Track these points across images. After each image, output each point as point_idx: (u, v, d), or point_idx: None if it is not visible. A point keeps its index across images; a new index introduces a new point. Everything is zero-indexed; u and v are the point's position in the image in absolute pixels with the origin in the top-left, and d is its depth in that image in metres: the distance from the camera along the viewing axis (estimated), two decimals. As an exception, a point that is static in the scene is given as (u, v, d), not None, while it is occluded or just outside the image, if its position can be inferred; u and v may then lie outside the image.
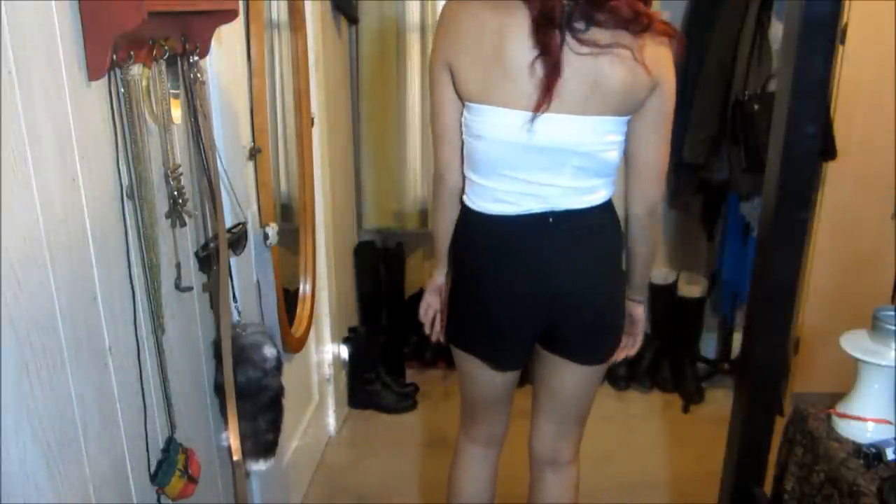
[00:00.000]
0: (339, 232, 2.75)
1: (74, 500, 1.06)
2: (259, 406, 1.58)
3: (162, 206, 1.30)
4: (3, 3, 0.88)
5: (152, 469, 1.29)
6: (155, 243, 1.24)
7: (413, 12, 2.90)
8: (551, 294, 1.46)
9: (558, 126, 1.34)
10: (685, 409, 2.97)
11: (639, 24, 1.29)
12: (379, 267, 3.18)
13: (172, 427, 1.36)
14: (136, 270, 1.21)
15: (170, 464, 1.31)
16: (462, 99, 1.40)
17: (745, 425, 1.18)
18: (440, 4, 1.42)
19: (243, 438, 1.53)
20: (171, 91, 1.29)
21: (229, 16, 1.39)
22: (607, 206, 1.48)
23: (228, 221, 1.57)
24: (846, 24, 2.46)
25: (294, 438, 2.30)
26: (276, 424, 1.65)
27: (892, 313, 1.34)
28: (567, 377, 1.59)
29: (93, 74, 1.07)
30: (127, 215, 1.18)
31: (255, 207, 1.86)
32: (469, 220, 1.50)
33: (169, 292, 1.33)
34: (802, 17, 0.94)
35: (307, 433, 2.45)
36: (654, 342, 3.20)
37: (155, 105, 1.24)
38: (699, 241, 3.14)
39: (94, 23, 1.04)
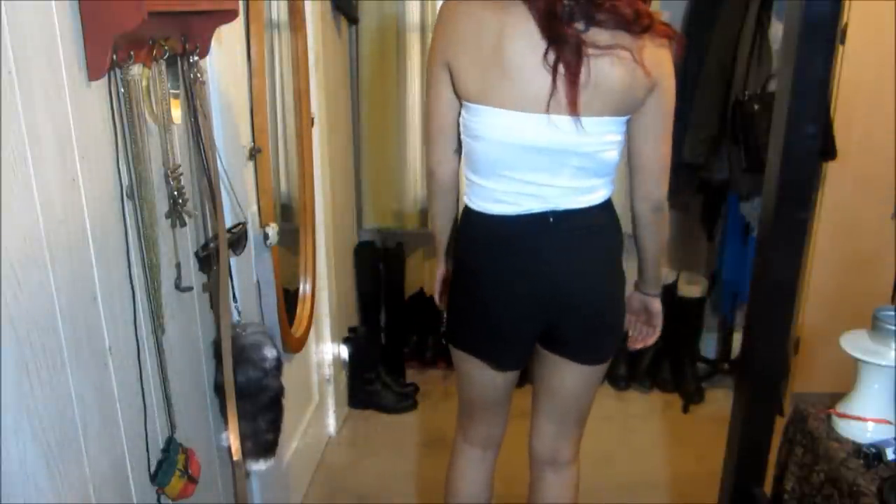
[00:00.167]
0: (339, 232, 2.75)
1: (74, 500, 1.06)
2: (259, 406, 1.58)
3: (162, 206, 1.30)
4: (3, 3, 0.88)
5: (152, 469, 1.29)
6: (155, 243, 1.24)
7: (413, 12, 2.90)
8: (551, 294, 1.46)
9: (557, 126, 1.33)
10: (685, 409, 2.97)
11: (639, 24, 1.29)
12: (379, 267, 3.18)
13: (172, 427, 1.36)
14: (136, 270, 1.21)
15: (170, 464, 1.31)
16: (460, 99, 1.40)
17: (745, 425, 1.18)
18: (440, 4, 1.42)
19: (243, 438, 1.53)
20: (171, 91, 1.29)
21: (229, 16, 1.39)
22: (607, 206, 1.48)
23: (228, 221, 1.57)
24: (846, 24, 2.46)
25: (294, 438, 2.30)
26: (276, 424, 1.65)
27: (892, 313, 1.34)
28: (567, 377, 1.59)
29: (93, 74, 1.07)
30: (127, 215, 1.18)
31: (255, 207, 1.86)
32: (469, 220, 1.50)
33: (169, 292, 1.33)
34: (802, 17, 0.94)
35: (307, 433, 2.45)
36: (654, 342, 3.19)
37: (155, 105, 1.24)
38: (699, 241, 3.14)
39: (94, 23, 1.04)
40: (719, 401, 2.99)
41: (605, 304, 1.52)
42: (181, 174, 1.32)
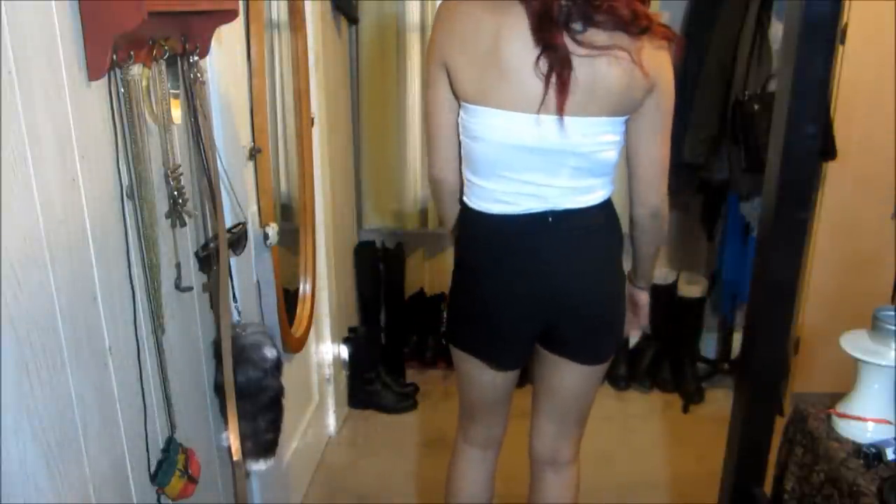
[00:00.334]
0: (339, 232, 2.75)
1: (74, 500, 1.06)
2: (259, 406, 1.58)
3: (162, 206, 1.30)
4: (3, 3, 0.88)
5: (152, 469, 1.29)
6: (155, 243, 1.24)
7: (413, 12, 2.89)
8: (550, 293, 1.46)
9: (555, 127, 1.33)
10: (685, 409, 2.97)
11: (637, 25, 1.29)
12: (379, 267, 3.18)
13: (172, 427, 1.36)
14: (136, 270, 1.21)
15: (170, 464, 1.31)
16: (458, 100, 1.40)
17: (745, 425, 1.18)
18: (440, 4, 1.42)
19: (243, 438, 1.53)
20: (171, 91, 1.29)
21: (229, 16, 1.39)
22: (606, 206, 1.48)
23: (228, 221, 1.57)
24: (846, 24, 2.46)
25: (294, 438, 2.30)
26: (276, 424, 1.65)
27: (892, 313, 1.34)
28: (567, 377, 1.59)
29: (93, 74, 1.07)
30: (127, 215, 1.18)
31: (255, 207, 1.86)
32: (469, 220, 1.50)
33: (169, 292, 1.33)
34: (802, 17, 0.94)
35: (307, 433, 2.45)
36: (654, 342, 3.20)
37: (155, 105, 1.24)
38: (699, 241, 3.14)
39: (94, 23, 1.04)
40: (719, 401, 2.99)
41: (604, 304, 1.52)
42: (181, 174, 1.32)
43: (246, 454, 1.57)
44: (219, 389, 1.56)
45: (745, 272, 2.87)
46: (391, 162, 3.08)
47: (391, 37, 2.93)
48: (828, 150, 2.53)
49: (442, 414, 2.92)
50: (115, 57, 1.09)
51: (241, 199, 1.67)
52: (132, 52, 1.13)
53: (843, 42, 2.47)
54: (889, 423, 1.32)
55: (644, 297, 1.69)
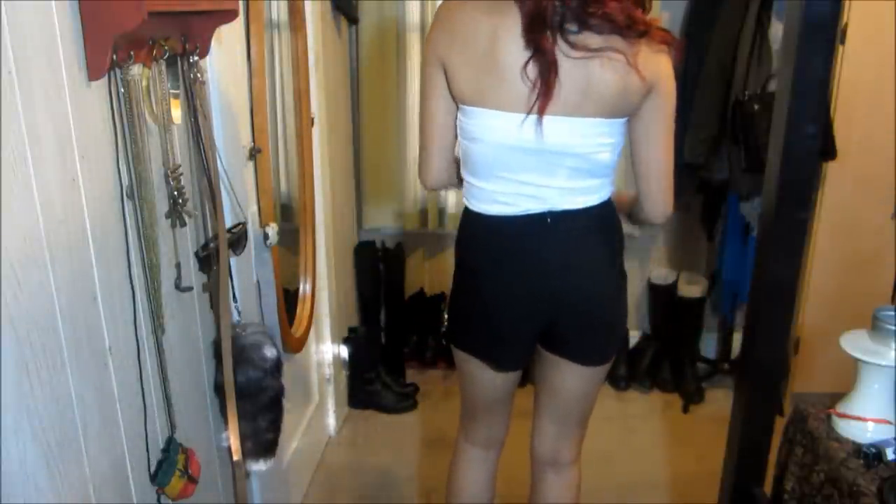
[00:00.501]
0: (339, 232, 2.75)
1: (74, 500, 1.06)
2: (259, 406, 1.58)
3: (162, 206, 1.30)
4: (3, 3, 0.88)
5: (152, 469, 1.29)
6: (155, 243, 1.24)
7: (413, 12, 2.89)
8: (550, 293, 1.46)
9: (551, 128, 1.33)
10: (685, 409, 2.97)
11: (633, 30, 1.28)
12: (379, 267, 3.18)
13: (172, 427, 1.36)
14: (136, 270, 1.21)
15: (170, 464, 1.31)
16: (456, 101, 1.40)
17: (745, 425, 1.17)
18: (439, 4, 1.42)
19: (243, 438, 1.53)
20: (171, 91, 1.29)
21: (229, 16, 1.39)
22: (606, 206, 1.47)
23: (228, 221, 1.57)
24: (846, 24, 2.46)
25: (294, 438, 2.30)
26: (276, 424, 1.65)
27: (892, 313, 1.34)
28: (568, 378, 1.59)
29: (93, 74, 1.07)
30: (127, 215, 1.18)
31: (255, 207, 1.86)
32: (469, 221, 1.50)
33: (169, 292, 1.33)
34: (802, 17, 0.94)
35: (307, 433, 2.45)
36: (654, 342, 3.20)
37: (155, 105, 1.24)
38: (699, 241, 3.14)
39: (94, 23, 1.04)
40: (719, 401, 2.99)
41: (604, 305, 1.52)
42: (181, 174, 1.32)
43: (246, 454, 1.57)
44: (219, 389, 1.56)
45: (745, 272, 2.88)
46: (391, 162, 3.08)
47: (391, 37, 2.93)
48: (828, 150, 2.53)
49: (442, 414, 2.92)
50: (115, 57, 1.09)
51: (241, 199, 1.67)
52: (132, 52, 1.13)
53: (843, 42, 2.47)
54: (889, 423, 1.32)
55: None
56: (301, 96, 2.22)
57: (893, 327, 1.32)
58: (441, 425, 2.83)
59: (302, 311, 2.29)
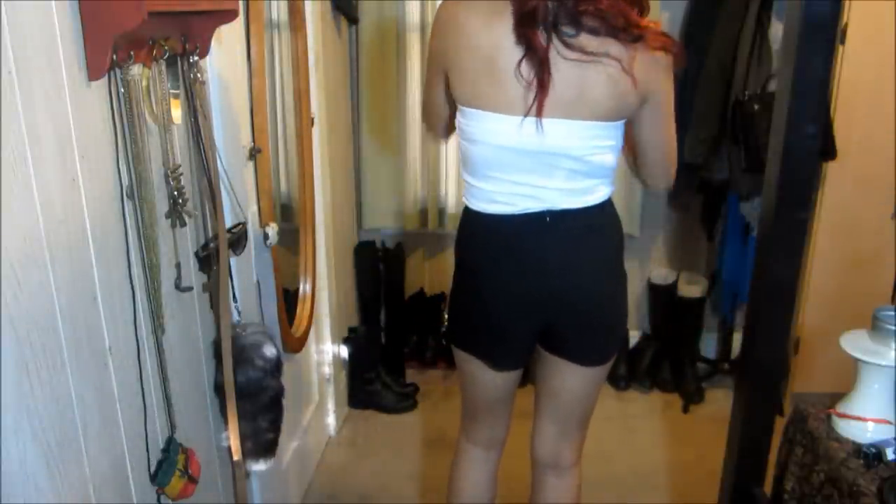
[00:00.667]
0: (339, 232, 2.75)
1: (74, 500, 1.06)
2: (259, 406, 1.58)
3: (162, 206, 1.30)
4: (3, 3, 0.88)
5: (152, 469, 1.29)
6: (155, 243, 1.24)
7: (413, 12, 2.89)
8: (549, 292, 1.46)
9: (550, 129, 1.33)
10: (685, 409, 2.97)
11: (629, 34, 1.28)
12: (379, 267, 3.18)
13: (172, 427, 1.36)
14: (136, 270, 1.21)
15: (170, 464, 1.31)
16: (456, 102, 1.40)
17: (745, 425, 1.17)
18: (439, 5, 1.42)
19: (243, 438, 1.53)
20: (171, 91, 1.29)
21: (229, 16, 1.39)
22: (606, 206, 1.47)
23: (228, 221, 1.57)
24: (846, 24, 2.46)
25: (294, 438, 2.30)
26: (276, 424, 1.65)
27: (892, 313, 1.34)
28: (568, 378, 1.59)
29: (93, 74, 1.07)
30: (127, 215, 1.18)
31: (255, 207, 1.86)
32: (469, 219, 1.50)
33: (169, 292, 1.33)
34: (802, 17, 0.94)
35: (307, 433, 2.45)
36: (654, 342, 3.20)
37: (155, 105, 1.24)
38: (699, 241, 3.14)
39: (94, 23, 1.04)
40: (719, 401, 2.99)
41: (603, 305, 1.52)
42: (181, 174, 1.32)
43: (246, 454, 1.57)
44: (219, 389, 1.56)
45: (745, 272, 2.87)
46: (391, 162, 3.08)
47: (391, 37, 2.93)
48: (828, 150, 2.53)
49: (442, 414, 2.92)
50: (115, 57, 1.09)
51: (241, 199, 1.67)
52: (132, 52, 1.13)
53: (843, 42, 2.47)
54: (889, 423, 1.32)
55: None
56: (301, 96, 2.22)
57: (893, 327, 1.32)
58: (441, 425, 2.83)
59: (302, 311, 2.29)
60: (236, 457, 1.49)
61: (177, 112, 1.31)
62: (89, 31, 1.04)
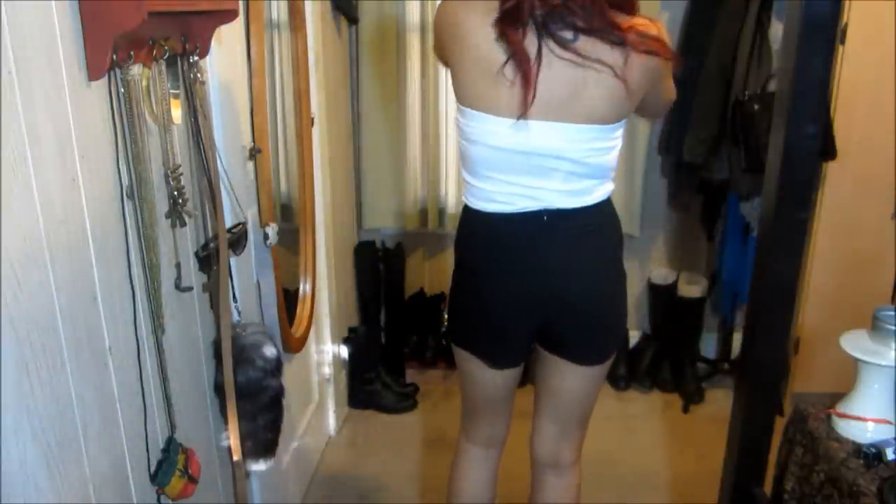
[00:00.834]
0: (339, 232, 2.75)
1: (74, 500, 1.06)
2: (259, 406, 1.58)
3: (162, 206, 1.30)
4: (3, 3, 0.88)
5: (152, 469, 1.29)
6: (155, 243, 1.24)
7: (413, 12, 2.90)
8: (548, 291, 1.46)
9: (544, 132, 1.33)
10: (685, 409, 2.97)
11: (611, 35, 1.27)
12: (379, 267, 3.18)
13: (172, 427, 1.36)
14: (136, 270, 1.21)
15: (170, 464, 1.31)
16: (456, 101, 1.40)
17: (745, 425, 1.17)
18: (438, 5, 1.42)
19: (243, 438, 1.53)
20: (171, 91, 1.29)
21: (229, 16, 1.39)
22: (605, 205, 1.47)
23: (228, 221, 1.57)
24: (846, 24, 2.46)
25: (294, 438, 2.30)
26: (276, 424, 1.65)
27: (892, 313, 1.34)
28: (567, 378, 1.59)
29: (93, 74, 1.07)
30: (127, 215, 1.18)
31: (255, 207, 1.86)
32: (468, 218, 1.50)
33: (169, 292, 1.33)
34: (802, 17, 0.94)
35: (307, 433, 2.45)
36: (654, 342, 3.20)
37: (155, 105, 1.24)
38: (699, 241, 3.14)
39: (94, 23, 1.04)
40: (719, 401, 2.99)
41: (602, 304, 1.52)
42: (181, 174, 1.32)
43: (246, 454, 1.57)
44: (219, 389, 1.56)
45: (745, 272, 2.87)
46: (391, 162, 3.08)
47: (391, 37, 2.93)
48: (828, 150, 2.53)
49: (442, 414, 2.92)
50: (115, 57, 1.09)
51: (241, 199, 1.67)
52: (132, 52, 1.13)
53: (843, 42, 2.47)
54: (889, 423, 1.32)
55: None
56: (301, 96, 2.22)
57: (893, 327, 1.32)
58: (441, 425, 2.83)
59: (302, 311, 2.29)
60: (236, 457, 1.49)
61: (177, 112, 1.31)
62: (89, 31, 1.04)
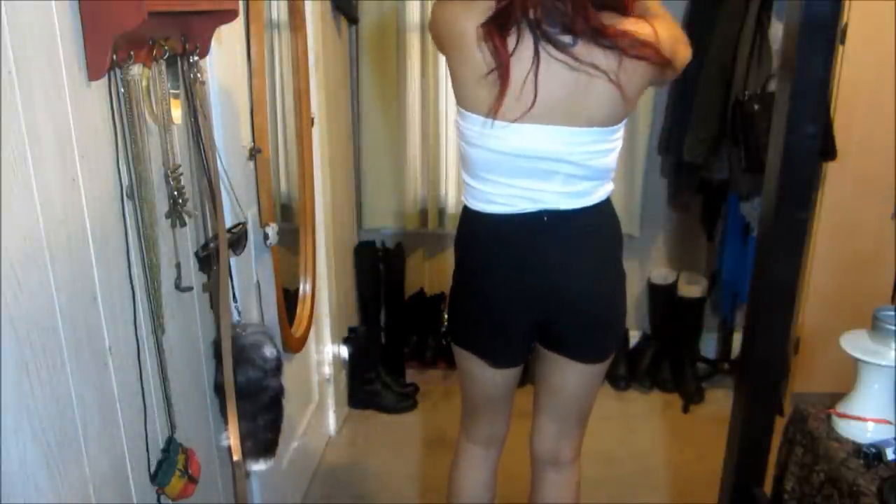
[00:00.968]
0: (339, 232, 2.75)
1: (74, 500, 1.06)
2: (259, 406, 1.58)
3: (162, 206, 1.30)
4: (3, 3, 0.88)
5: (152, 469, 1.29)
6: (155, 243, 1.24)
7: (413, 12, 2.90)
8: (547, 290, 1.47)
9: (544, 136, 1.33)
10: (685, 409, 2.97)
11: (606, 39, 1.26)
12: (379, 267, 3.18)
13: (172, 427, 1.36)
14: (136, 270, 1.21)
15: (170, 464, 1.31)
16: (456, 103, 1.40)
17: (745, 425, 1.17)
18: (433, 5, 1.42)
19: (243, 438, 1.53)
20: (171, 91, 1.29)
21: (229, 16, 1.39)
22: (604, 206, 1.48)
23: (228, 221, 1.57)
24: (846, 24, 2.46)
25: (294, 438, 2.30)
26: (276, 424, 1.65)
27: (892, 313, 1.34)
28: (567, 376, 1.59)
29: (93, 74, 1.07)
30: (127, 215, 1.18)
31: (255, 207, 1.86)
32: (468, 219, 1.50)
33: (169, 292, 1.33)
34: (802, 17, 0.94)
35: (307, 433, 2.45)
36: (654, 342, 3.20)
37: (155, 105, 1.24)
38: (699, 241, 3.14)
39: (94, 23, 1.04)
40: (719, 401, 2.99)
41: (602, 303, 1.52)
42: (181, 174, 1.32)
43: (246, 454, 1.57)
44: (219, 389, 1.56)
45: (745, 272, 2.87)
46: (391, 162, 3.08)
47: (391, 37, 2.93)
48: (828, 150, 2.53)
49: (442, 414, 2.92)
50: (115, 57, 1.09)
51: (241, 199, 1.67)
52: (132, 52, 1.13)
53: (843, 42, 2.47)
54: (889, 423, 1.32)
55: None
56: (301, 96, 2.22)
57: (893, 327, 1.32)
58: (441, 425, 2.83)
59: (302, 311, 2.29)
60: (236, 457, 1.49)
61: (177, 112, 1.31)
62: (89, 31, 1.04)
